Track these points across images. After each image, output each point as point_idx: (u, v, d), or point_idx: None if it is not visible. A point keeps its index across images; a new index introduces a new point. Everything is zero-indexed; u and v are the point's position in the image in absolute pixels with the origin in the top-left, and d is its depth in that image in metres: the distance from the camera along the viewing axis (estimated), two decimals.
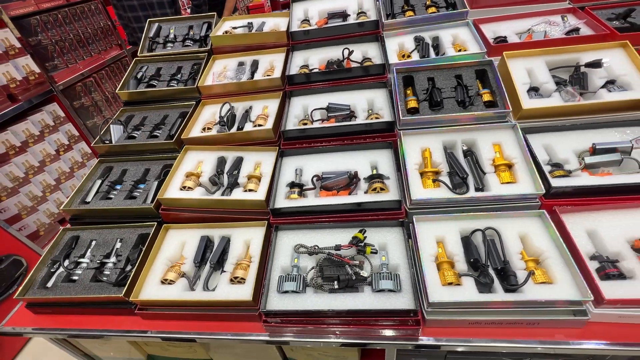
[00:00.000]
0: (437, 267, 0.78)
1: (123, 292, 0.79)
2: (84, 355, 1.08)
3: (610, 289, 0.67)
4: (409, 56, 1.16)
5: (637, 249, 0.73)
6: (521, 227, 0.81)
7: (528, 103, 0.94)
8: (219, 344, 0.92)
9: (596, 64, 0.95)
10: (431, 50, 1.17)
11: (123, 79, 1.25)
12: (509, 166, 0.87)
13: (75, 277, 0.87)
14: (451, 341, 0.71)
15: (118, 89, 1.23)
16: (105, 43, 3.20)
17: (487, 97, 0.99)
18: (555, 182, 0.80)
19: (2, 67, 2.30)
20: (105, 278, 0.85)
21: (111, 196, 1.01)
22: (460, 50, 1.13)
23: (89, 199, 1.00)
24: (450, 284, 0.73)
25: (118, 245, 0.92)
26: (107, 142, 1.11)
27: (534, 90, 0.99)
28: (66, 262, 0.90)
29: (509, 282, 0.72)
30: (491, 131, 0.94)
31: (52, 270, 0.89)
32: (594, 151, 0.85)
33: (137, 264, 0.84)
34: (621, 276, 0.70)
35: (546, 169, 0.85)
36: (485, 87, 1.02)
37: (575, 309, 0.68)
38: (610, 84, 0.95)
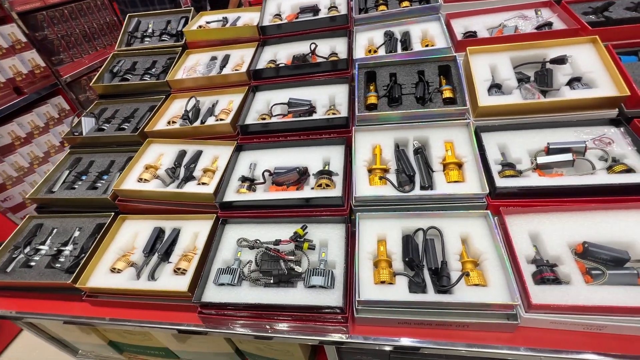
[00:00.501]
0: (375, 265, 0.77)
1: (71, 279, 0.82)
2: (55, 340, 1.14)
3: (542, 294, 0.65)
4: (375, 51, 1.15)
5: (579, 253, 0.70)
6: (464, 228, 0.79)
7: (485, 100, 0.91)
8: (166, 332, 0.95)
9: (561, 60, 0.91)
10: (399, 45, 1.15)
11: (99, 72, 1.29)
12: (459, 165, 0.85)
13: (32, 263, 0.91)
14: (379, 340, 0.71)
15: (93, 82, 1.26)
16: (110, 38, 3.28)
17: (447, 94, 0.96)
18: (501, 182, 0.78)
19: (9, 61, 2.39)
20: (58, 265, 0.89)
21: (75, 186, 1.05)
22: (427, 46, 1.11)
23: (55, 188, 1.04)
24: (383, 282, 0.72)
25: (76, 234, 0.95)
26: (77, 134, 1.15)
27: (496, 87, 0.95)
28: (27, 249, 0.94)
29: (441, 283, 0.70)
30: (445, 129, 0.92)
31: (13, 256, 0.93)
32: (548, 151, 0.81)
33: (88, 253, 0.86)
34: (556, 281, 0.67)
35: (497, 168, 0.83)
36: (448, 83, 0.99)
37: (505, 312, 0.66)
38: (576, 81, 0.91)
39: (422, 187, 0.83)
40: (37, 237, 0.97)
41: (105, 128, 1.17)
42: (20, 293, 0.90)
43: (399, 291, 0.71)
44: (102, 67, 1.31)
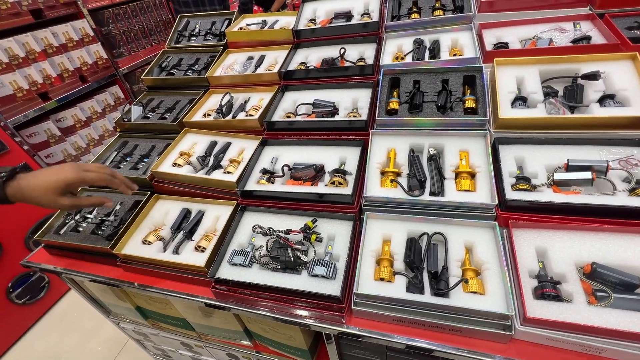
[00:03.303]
0: (377, 263, 0.80)
1: (110, 245, 0.94)
2: (93, 300, 1.29)
3: (539, 309, 0.65)
4: (403, 58, 1.17)
5: (586, 274, 0.68)
6: (470, 237, 0.79)
7: (506, 112, 0.90)
8: (184, 304, 1.04)
9: (593, 76, 0.88)
10: (427, 53, 1.16)
11: (150, 66, 1.43)
12: (472, 175, 0.85)
13: (80, 229, 1.05)
14: (373, 333, 0.74)
15: (144, 74, 1.41)
16: (164, 34, 3.56)
17: (469, 104, 0.96)
18: (512, 195, 0.78)
19: (78, 52, 2.69)
20: (101, 232, 1.02)
21: (121, 166, 1.18)
22: (455, 55, 1.11)
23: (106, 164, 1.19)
24: (382, 279, 0.76)
25: (117, 207, 1.08)
26: (127, 120, 1.29)
27: (521, 100, 0.94)
28: (77, 216, 1.08)
29: (439, 286, 0.72)
30: (462, 138, 0.92)
31: (66, 221, 1.08)
32: (568, 168, 0.80)
33: (126, 225, 0.98)
34: (557, 298, 0.66)
35: (511, 181, 0.82)
36: (472, 94, 1.00)
37: (500, 322, 0.66)
38: (608, 98, 0.87)
39: (432, 193, 0.85)
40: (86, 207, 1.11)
41: (150, 116, 1.30)
42: (68, 253, 1.05)
43: (397, 289, 0.74)
44: (153, 62, 1.46)
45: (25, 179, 0.80)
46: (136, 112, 1.32)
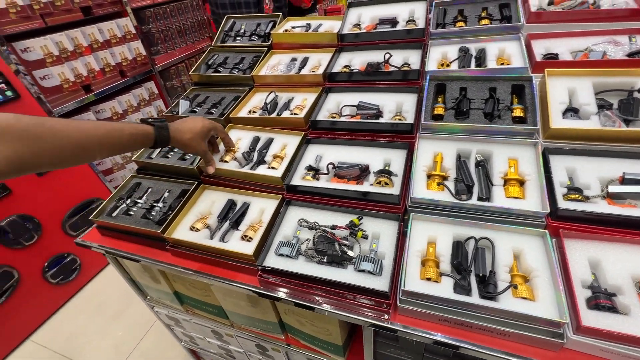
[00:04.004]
0: (422, 264, 0.82)
1: (160, 230, 0.99)
2: (132, 282, 1.35)
3: (594, 319, 0.65)
4: (448, 65, 1.19)
5: None
6: (518, 244, 0.80)
7: (558, 122, 0.90)
8: (225, 291, 1.08)
9: None
10: (473, 61, 1.17)
11: (197, 63, 1.50)
12: (521, 182, 0.86)
13: (131, 213, 1.11)
14: (417, 331, 0.75)
15: (192, 71, 1.48)
16: (199, 34, 3.69)
17: (518, 113, 0.97)
18: (564, 204, 0.78)
19: (119, 48, 2.82)
20: (151, 217, 1.07)
21: (169, 156, 1.24)
22: (502, 64, 1.12)
23: (153, 155, 1.25)
24: (428, 279, 0.77)
25: (166, 194, 1.14)
26: (175, 113, 1.35)
27: (572, 111, 0.94)
28: (128, 201, 1.14)
29: (487, 289, 0.73)
30: (510, 146, 0.93)
31: (117, 204, 1.14)
32: (623, 181, 0.79)
33: (175, 211, 1.03)
34: (613, 309, 0.66)
35: (562, 191, 0.82)
36: (520, 103, 1.00)
37: (551, 329, 0.66)
38: None
39: (480, 198, 0.86)
40: (136, 193, 1.17)
41: (197, 111, 1.36)
42: (119, 234, 1.10)
43: (444, 290, 0.75)
44: (200, 59, 1.52)
45: (175, 124, 0.93)
46: (183, 105, 1.38)
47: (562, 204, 0.78)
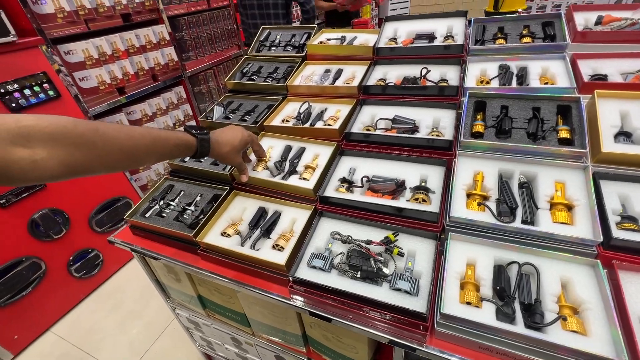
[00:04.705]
0: (461, 286, 0.78)
1: (193, 233, 0.99)
2: (157, 283, 1.36)
3: None
4: (487, 82, 1.16)
5: None
6: (566, 272, 0.76)
7: (609, 147, 0.86)
8: (251, 299, 1.07)
9: None
10: (514, 79, 1.14)
11: (232, 71, 1.53)
12: (569, 207, 0.82)
13: (164, 215, 1.12)
14: (455, 357, 0.72)
15: (227, 78, 1.51)
16: (228, 42, 3.80)
17: (564, 134, 0.93)
18: (619, 234, 0.73)
19: (154, 54, 2.93)
20: (183, 220, 1.08)
21: (202, 160, 1.26)
22: (546, 83, 1.09)
23: (187, 158, 1.28)
24: (469, 303, 0.74)
25: (198, 198, 1.15)
26: (209, 118, 1.38)
27: (624, 135, 0.90)
28: (161, 202, 1.16)
29: (534, 319, 0.69)
30: (557, 169, 0.89)
31: (150, 205, 1.17)
32: None
33: (207, 215, 1.04)
34: None
35: (615, 219, 0.78)
36: (566, 124, 0.96)
37: None
38: None
39: (524, 222, 0.82)
40: (169, 195, 1.19)
41: (231, 117, 1.38)
42: (151, 235, 1.12)
43: (486, 316, 0.71)
44: (236, 67, 1.56)
45: (215, 136, 0.93)
46: (218, 112, 1.41)
47: (616, 233, 0.74)
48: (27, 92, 2.02)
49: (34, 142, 0.57)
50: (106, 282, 2.58)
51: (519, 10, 2.19)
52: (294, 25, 3.40)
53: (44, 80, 2.08)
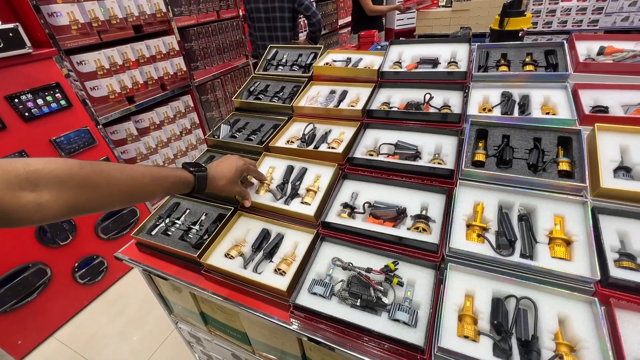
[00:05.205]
0: (459, 318, 0.79)
1: (197, 254, 1.02)
2: (160, 297, 1.38)
3: None
4: (490, 110, 1.18)
5: None
6: (563, 308, 0.76)
7: (609, 182, 0.87)
8: (252, 320, 1.09)
9: None
10: (516, 108, 1.16)
11: (240, 89, 1.57)
12: (567, 242, 0.83)
13: (169, 233, 1.15)
14: None
15: (234, 97, 1.54)
16: (235, 53, 3.87)
17: (564, 167, 0.95)
18: (616, 272, 0.74)
19: (163, 63, 2.99)
20: (188, 239, 1.11)
21: None
22: (547, 113, 1.10)
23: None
24: (466, 337, 0.75)
25: (203, 217, 1.18)
26: (216, 137, 1.41)
27: (624, 169, 0.91)
28: (167, 220, 1.19)
29: (530, 357, 0.70)
30: (556, 202, 0.90)
31: (157, 223, 1.19)
32: None
33: (212, 235, 1.06)
34: None
35: (613, 256, 0.79)
36: (567, 156, 0.98)
37: None
38: None
39: (523, 255, 0.83)
40: (175, 213, 1.22)
41: (237, 136, 1.41)
42: (155, 252, 1.14)
43: (483, 351, 0.72)
44: (243, 86, 1.59)
45: (211, 171, 0.95)
46: (224, 130, 1.44)
47: (614, 271, 0.75)
48: (40, 102, 2.07)
49: (41, 186, 0.59)
50: (110, 288, 2.61)
51: (524, 28, 2.21)
52: (299, 35, 3.45)
53: (57, 90, 2.14)
